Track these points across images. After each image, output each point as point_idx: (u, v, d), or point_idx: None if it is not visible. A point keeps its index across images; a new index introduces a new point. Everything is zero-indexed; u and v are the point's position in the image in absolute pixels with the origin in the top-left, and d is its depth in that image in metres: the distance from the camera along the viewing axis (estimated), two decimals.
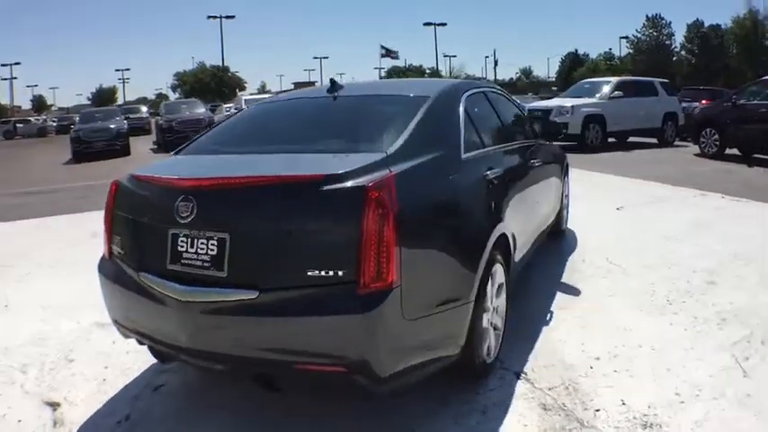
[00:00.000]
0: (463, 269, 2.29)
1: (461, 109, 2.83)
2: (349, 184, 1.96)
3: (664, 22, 50.37)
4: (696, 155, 10.87)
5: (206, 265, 2.06)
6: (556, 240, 4.93)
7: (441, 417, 2.32)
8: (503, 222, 2.72)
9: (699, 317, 3.19)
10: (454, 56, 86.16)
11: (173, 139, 16.19)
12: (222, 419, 2.38)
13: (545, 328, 3.15)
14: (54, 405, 2.53)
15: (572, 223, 5.42)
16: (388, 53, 43.92)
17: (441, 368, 2.28)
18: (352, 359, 1.92)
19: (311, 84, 58.48)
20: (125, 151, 16.08)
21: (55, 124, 39.20)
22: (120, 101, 64.34)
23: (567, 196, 5.29)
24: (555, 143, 5.38)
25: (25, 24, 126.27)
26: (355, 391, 2.12)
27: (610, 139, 13.09)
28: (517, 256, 3.13)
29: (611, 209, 6.16)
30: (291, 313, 1.93)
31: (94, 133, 16.25)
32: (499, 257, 2.69)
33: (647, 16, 50.88)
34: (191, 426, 2.36)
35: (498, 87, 4.02)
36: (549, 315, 3.34)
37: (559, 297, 3.62)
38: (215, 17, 49.60)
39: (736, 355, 2.70)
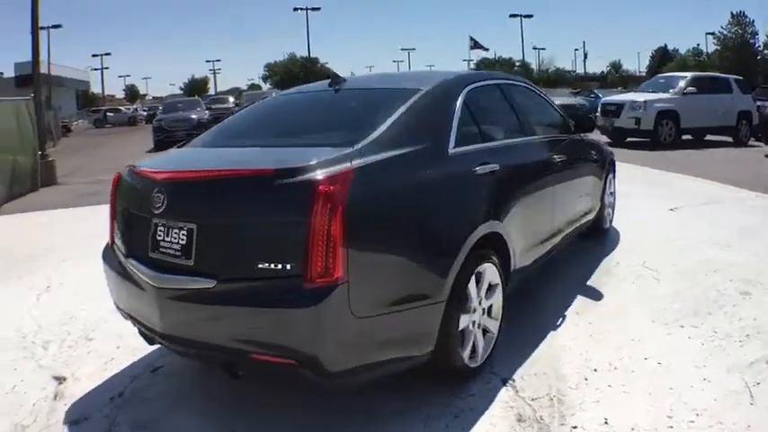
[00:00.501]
0: (430, 268, 2.20)
1: (459, 102, 2.72)
2: (300, 178, 1.94)
3: (747, 20, 47.51)
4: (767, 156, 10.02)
5: (178, 253, 2.14)
6: (595, 240, 4.67)
7: (412, 417, 2.26)
8: (495, 221, 2.60)
9: (720, 331, 2.89)
10: (543, 48, 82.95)
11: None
12: (208, 404, 2.46)
13: (552, 334, 2.99)
14: (61, 379, 2.71)
15: (619, 222, 5.12)
16: (477, 45, 43.37)
17: (408, 368, 2.23)
18: (300, 353, 1.92)
19: None
20: None
21: (145, 113, 39.36)
22: (211, 91, 66.00)
23: (613, 194, 4.97)
24: (601, 139, 5.07)
25: (116, 16, 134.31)
26: (315, 385, 2.10)
27: (684, 137, 12.27)
28: (523, 256, 2.98)
29: (664, 209, 5.75)
30: (243, 303, 1.97)
31: (176, 123, 17.00)
32: (492, 257, 2.58)
33: (731, 13, 48.20)
34: (177, 406, 2.45)
35: (524, 80, 3.83)
36: (561, 319, 3.16)
37: (579, 301, 3.42)
38: (301, 9, 50.42)
39: (746, 380, 2.41)
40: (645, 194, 6.57)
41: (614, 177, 5.01)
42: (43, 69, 36.65)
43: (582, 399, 2.34)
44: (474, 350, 2.52)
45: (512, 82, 3.52)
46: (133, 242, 2.37)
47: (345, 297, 1.90)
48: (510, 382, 2.52)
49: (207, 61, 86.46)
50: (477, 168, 2.57)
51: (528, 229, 3.06)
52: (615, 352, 2.73)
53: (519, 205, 2.90)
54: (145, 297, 2.22)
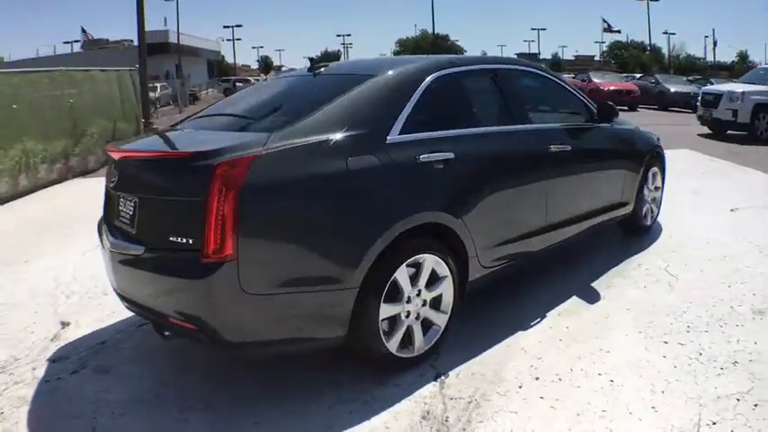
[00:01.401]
0: (338, 254, 2.15)
1: (419, 88, 2.57)
2: (205, 162, 2.02)
3: None
4: None
5: (127, 222, 2.36)
6: (629, 238, 4.23)
7: (325, 398, 2.26)
8: (441, 211, 2.46)
9: (706, 354, 2.49)
10: (673, 33, 74.51)
11: None
12: (168, 359, 2.64)
13: (520, 334, 2.78)
14: (65, 324, 3.05)
15: (669, 220, 4.60)
16: (609, 28, 40.94)
17: (322, 349, 2.26)
18: (199, 320, 2.06)
19: (534, 56, 55.90)
20: None
21: None
22: None
23: (659, 189, 4.43)
24: (651, 132, 4.50)
25: None
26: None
27: None
28: (495, 252, 2.80)
29: (724, 209, 5.01)
30: (159, 271, 2.14)
31: None
32: (437, 248, 2.45)
33: None
34: (140, 359, 2.67)
35: (534, 66, 3.48)
36: (538, 320, 2.93)
37: (570, 302, 3.13)
38: None
39: (702, 416, 2.06)
40: (714, 192, 5.75)
41: (662, 171, 4.42)
42: (173, 39, 40.15)
43: (502, 407, 2.17)
44: (409, 341, 2.44)
45: (511, 67, 3.21)
46: (107, 211, 2.62)
47: (235, 273, 1.97)
48: (442, 377, 2.40)
49: (338, 35, 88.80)
50: (423, 156, 2.43)
51: (503, 224, 2.85)
52: (571, 362, 2.49)
53: (488, 197, 2.70)
54: (108, 259, 2.46)
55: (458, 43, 61.28)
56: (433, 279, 2.50)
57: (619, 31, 42.03)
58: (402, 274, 2.34)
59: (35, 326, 3.05)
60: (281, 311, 2.12)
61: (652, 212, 4.38)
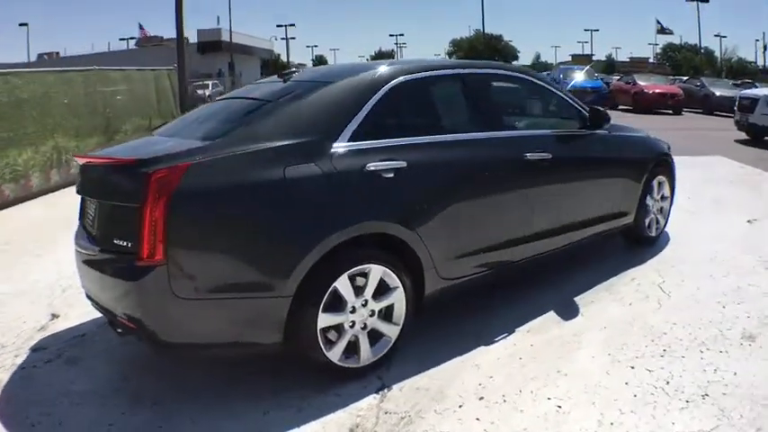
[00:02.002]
0: (270, 262, 2.12)
1: (376, 95, 2.49)
2: (144, 169, 2.05)
3: None
4: None
5: (90, 224, 2.44)
6: (630, 249, 3.97)
7: (261, 403, 2.23)
8: (389, 222, 2.37)
9: (674, 383, 2.27)
10: (725, 36, 70.07)
11: None
12: (136, 357, 2.66)
13: (480, 349, 2.63)
14: (55, 316, 3.16)
15: (679, 231, 4.31)
16: (663, 29, 39.61)
17: (261, 354, 2.26)
18: (138, 321, 2.10)
19: (589, 57, 54.38)
20: None
21: None
22: None
23: (666, 198, 4.12)
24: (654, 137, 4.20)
25: None
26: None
27: None
28: (459, 264, 2.67)
29: (741, 220, 4.62)
30: (106, 272, 2.20)
31: None
32: (385, 258, 2.37)
33: None
34: (109, 353, 2.72)
35: (518, 70, 3.30)
36: (504, 335, 2.78)
37: (543, 318, 2.94)
38: None
39: None
40: (735, 201, 5.32)
41: (670, 180, 4.10)
42: (226, 38, 41.01)
43: (434, 425, 2.06)
44: (354, 351, 2.37)
45: (485, 71, 3.03)
46: (81, 213, 2.70)
47: (166, 278, 2.00)
48: (385, 390, 2.31)
49: (390, 35, 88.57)
50: (370, 165, 2.34)
51: (468, 235, 2.71)
52: (524, 382, 2.34)
53: (447, 208, 2.57)
54: (75, 258, 2.53)
55: (511, 44, 59.82)
56: (383, 290, 2.42)
57: (671, 33, 40.19)
58: (344, 284, 2.27)
59: (28, 316, 3.18)
60: (214, 316, 2.11)
61: (657, 223, 4.08)
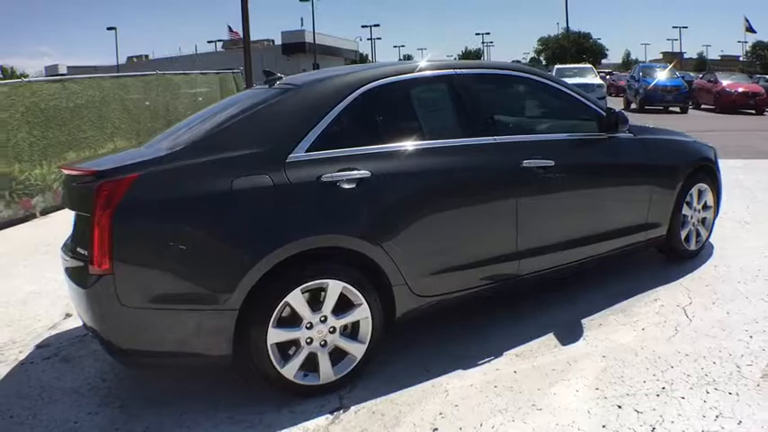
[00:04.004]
0: (214, 275, 2.06)
1: (343, 103, 2.35)
2: (96, 180, 2.07)
3: None
4: None
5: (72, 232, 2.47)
6: (664, 264, 3.53)
7: (218, 415, 2.18)
8: (345, 235, 2.22)
9: (661, 430, 1.94)
10: None
11: None
12: None
13: (458, 373, 2.40)
14: (68, 316, 3.29)
15: (727, 244, 3.80)
16: (750, 28, 37.35)
17: (213, 365, 2.21)
18: (92, 328, 2.16)
19: (679, 54, 50.94)
20: None
21: None
22: None
23: (709, 208, 3.62)
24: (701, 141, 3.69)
25: None
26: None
27: None
28: (438, 281, 2.47)
29: None
30: (72, 279, 2.25)
31: None
32: (345, 274, 2.23)
33: None
34: (101, 353, 2.78)
35: (516, 68, 2.98)
36: (489, 359, 2.52)
37: (539, 340, 2.65)
38: None
39: None
40: None
41: (714, 188, 3.59)
42: (309, 39, 41.80)
43: None
44: (314, 368, 2.25)
45: (478, 72, 2.78)
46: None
47: (112, 286, 2.00)
48: (340, 411, 2.17)
49: (477, 34, 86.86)
50: (326, 176, 2.20)
51: (450, 250, 2.50)
52: (489, 416, 2.09)
53: (421, 220, 2.38)
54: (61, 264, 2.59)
55: (599, 42, 56.63)
56: (346, 306, 2.27)
57: (755, 32, 37.11)
58: (297, 299, 2.16)
59: (44, 315, 3.35)
60: (160, 325, 2.09)
61: (698, 236, 3.59)
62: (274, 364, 2.16)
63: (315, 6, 41.68)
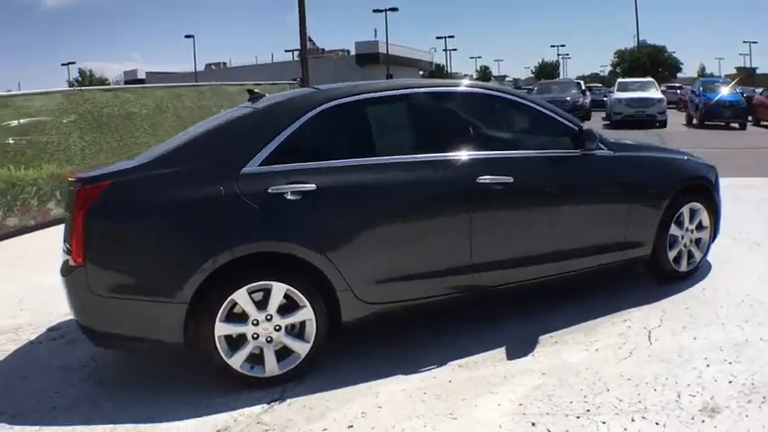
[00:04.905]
0: (167, 272, 2.34)
1: (299, 121, 2.54)
2: (78, 186, 2.40)
3: None
4: None
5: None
6: (650, 285, 3.41)
7: (171, 398, 2.39)
8: (287, 242, 2.41)
9: None
10: None
11: None
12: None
13: (396, 378, 2.49)
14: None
15: (722, 266, 3.62)
16: None
17: (169, 350, 2.45)
18: (72, 312, 2.49)
19: (752, 70, 47.26)
20: None
21: None
22: (561, 75, 60.44)
23: (704, 228, 3.44)
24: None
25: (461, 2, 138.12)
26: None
27: None
28: (375, 287, 2.57)
29: None
30: (61, 271, 2.52)
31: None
32: (289, 277, 2.41)
33: None
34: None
35: (482, 86, 3.01)
36: (432, 366, 2.57)
37: (488, 353, 2.67)
38: None
39: None
40: None
41: (710, 207, 3.41)
42: (382, 50, 42.04)
43: None
44: (259, 360, 2.44)
45: (438, 90, 2.87)
46: None
47: (84, 277, 2.32)
48: (276, 403, 2.34)
49: (552, 46, 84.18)
50: (272, 188, 2.40)
51: (396, 260, 2.61)
52: (404, 421, 2.15)
53: (367, 230, 2.52)
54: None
55: (674, 55, 53.31)
56: (291, 307, 2.46)
57: None
58: (243, 297, 2.38)
59: (65, 303, 3.75)
60: (123, 312, 2.38)
61: (691, 257, 3.42)
62: (222, 354, 2.39)
63: (389, 18, 41.80)
